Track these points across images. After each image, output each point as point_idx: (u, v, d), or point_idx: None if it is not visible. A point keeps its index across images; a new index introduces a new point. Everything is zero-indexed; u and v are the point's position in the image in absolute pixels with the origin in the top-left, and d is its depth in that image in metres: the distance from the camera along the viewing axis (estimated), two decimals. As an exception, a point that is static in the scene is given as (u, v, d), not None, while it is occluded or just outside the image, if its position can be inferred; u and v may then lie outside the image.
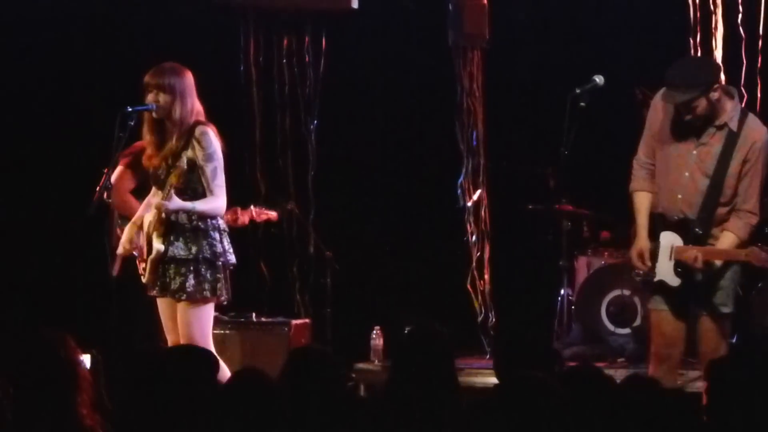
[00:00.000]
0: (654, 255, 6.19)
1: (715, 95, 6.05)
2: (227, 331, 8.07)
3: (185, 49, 8.14)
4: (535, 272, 8.78)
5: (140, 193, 7.11)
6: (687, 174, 6.13)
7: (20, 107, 9.06)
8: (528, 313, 8.50)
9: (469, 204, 8.90)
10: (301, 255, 9.18)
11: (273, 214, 8.00)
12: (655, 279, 6.18)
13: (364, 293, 9.08)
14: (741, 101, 6.88)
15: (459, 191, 8.91)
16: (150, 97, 6.35)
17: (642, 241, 6.20)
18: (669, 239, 6.15)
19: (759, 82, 8.38)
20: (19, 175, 9.09)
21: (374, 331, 8.32)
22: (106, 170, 6.70)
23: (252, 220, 7.88)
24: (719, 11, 8.43)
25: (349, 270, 8.78)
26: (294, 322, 8.27)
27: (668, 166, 6.18)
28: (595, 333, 8.49)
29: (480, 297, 8.81)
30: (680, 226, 6.13)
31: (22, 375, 3.88)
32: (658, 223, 6.22)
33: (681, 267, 6.11)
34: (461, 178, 8.91)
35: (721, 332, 6.18)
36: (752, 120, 6.22)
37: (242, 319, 8.26)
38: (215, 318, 7.89)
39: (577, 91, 6.36)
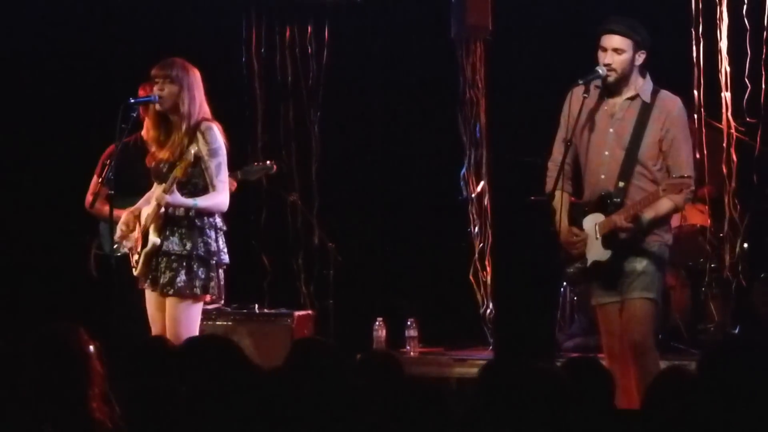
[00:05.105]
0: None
1: (639, 60, 6.11)
2: (230, 323, 8.08)
3: (187, 41, 8.14)
4: (537, 263, 8.77)
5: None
6: (607, 153, 6.14)
7: (23, 103, 9.06)
8: (530, 304, 8.49)
9: (472, 195, 8.89)
10: (305, 247, 9.18)
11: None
12: (588, 263, 6.16)
13: (368, 285, 9.09)
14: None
15: (462, 183, 8.91)
16: (155, 89, 6.29)
17: (565, 228, 6.19)
18: (591, 221, 6.14)
19: (764, 73, 8.35)
20: (22, 170, 9.10)
21: (377, 323, 8.33)
22: (108, 162, 6.69)
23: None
24: (724, 2, 8.40)
25: (352, 261, 8.79)
26: (297, 313, 8.28)
27: (589, 154, 6.18)
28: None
29: (482, 288, 8.80)
30: (599, 204, 6.11)
31: (34, 367, 3.87)
32: (578, 211, 6.21)
33: (607, 239, 6.08)
34: (464, 170, 8.90)
35: (646, 318, 6.07)
36: (665, 93, 6.24)
37: (245, 311, 8.27)
38: (219, 310, 7.95)
39: (580, 82, 6.34)
